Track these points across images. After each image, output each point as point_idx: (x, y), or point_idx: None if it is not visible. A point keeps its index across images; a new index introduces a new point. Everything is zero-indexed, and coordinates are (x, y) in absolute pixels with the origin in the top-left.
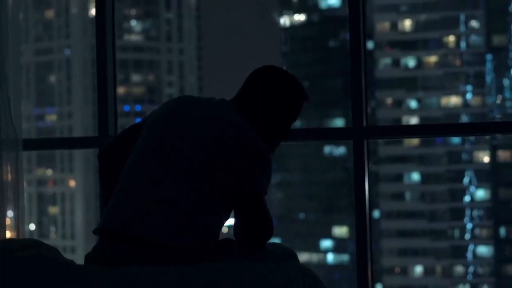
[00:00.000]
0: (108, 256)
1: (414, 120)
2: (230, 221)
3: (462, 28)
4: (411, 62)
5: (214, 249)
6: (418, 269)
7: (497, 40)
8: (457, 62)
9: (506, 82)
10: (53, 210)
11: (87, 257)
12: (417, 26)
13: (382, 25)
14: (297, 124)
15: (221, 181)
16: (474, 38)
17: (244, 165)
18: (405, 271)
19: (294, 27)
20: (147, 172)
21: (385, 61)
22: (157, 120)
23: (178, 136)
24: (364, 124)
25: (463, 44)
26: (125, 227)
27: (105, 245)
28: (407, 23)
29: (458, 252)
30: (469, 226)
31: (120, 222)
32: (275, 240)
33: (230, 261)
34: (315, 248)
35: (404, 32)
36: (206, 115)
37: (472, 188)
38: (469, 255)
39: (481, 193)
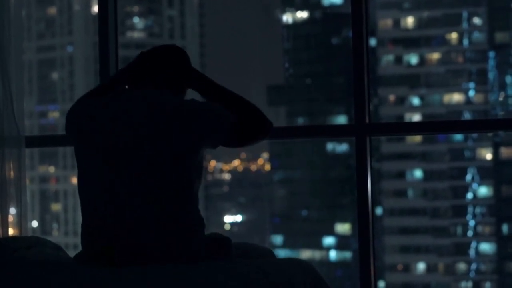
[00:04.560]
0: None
1: (416, 117)
2: (232, 219)
3: (464, 25)
4: (413, 59)
5: (210, 245)
6: (421, 266)
7: (500, 37)
8: (460, 59)
9: (508, 79)
10: (56, 207)
11: (78, 258)
12: (419, 23)
13: (385, 22)
14: (300, 121)
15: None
16: (476, 35)
17: (203, 124)
18: (407, 268)
19: (297, 24)
20: (110, 182)
21: (387, 58)
22: (95, 126)
23: (123, 133)
24: (367, 121)
25: (465, 41)
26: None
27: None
28: (410, 20)
29: (461, 249)
30: (471, 223)
31: (109, 240)
32: (278, 237)
33: (227, 258)
34: (318, 245)
35: (406, 29)
36: (136, 102)
37: (474, 185)
38: (472, 252)
39: (483, 190)
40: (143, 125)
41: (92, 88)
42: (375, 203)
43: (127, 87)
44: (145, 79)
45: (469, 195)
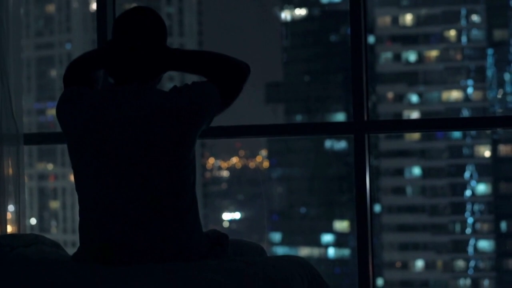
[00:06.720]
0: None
1: (415, 115)
2: (231, 216)
3: (463, 22)
4: (412, 56)
5: (207, 244)
6: (419, 264)
7: (498, 34)
8: (458, 56)
9: (507, 76)
10: (54, 204)
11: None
12: (418, 21)
13: (383, 20)
14: (298, 118)
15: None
16: (475, 33)
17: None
18: (406, 266)
19: (295, 22)
20: (107, 181)
21: (386, 56)
22: (89, 126)
23: (121, 137)
24: (365, 118)
25: (464, 39)
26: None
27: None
28: (408, 18)
29: (459, 247)
30: (470, 220)
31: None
32: (277, 235)
33: (224, 256)
34: (316, 243)
35: (405, 27)
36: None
37: (473, 183)
38: (470, 249)
39: (482, 188)
40: (141, 125)
41: (74, 60)
42: (374, 200)
43: (109, 77)
44: (128, 69)
45: (468, 193)
